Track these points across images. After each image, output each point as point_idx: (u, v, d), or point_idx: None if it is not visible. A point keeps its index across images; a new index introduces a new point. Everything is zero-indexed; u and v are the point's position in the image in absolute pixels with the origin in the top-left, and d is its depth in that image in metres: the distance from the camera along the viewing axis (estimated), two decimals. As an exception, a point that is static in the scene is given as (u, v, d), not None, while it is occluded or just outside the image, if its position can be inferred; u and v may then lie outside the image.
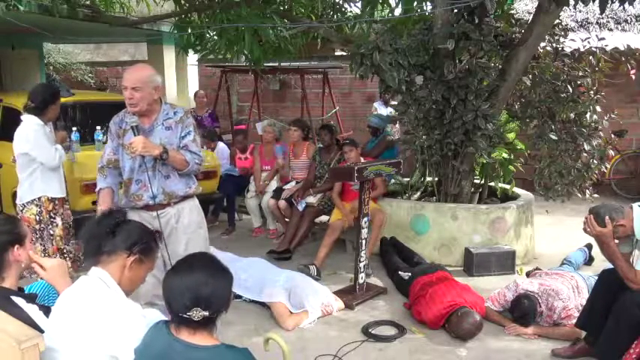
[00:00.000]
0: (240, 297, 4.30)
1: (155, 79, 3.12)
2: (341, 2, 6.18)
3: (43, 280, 2.46)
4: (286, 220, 5.88)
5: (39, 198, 4.24)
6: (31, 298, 2.14)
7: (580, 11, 8.13)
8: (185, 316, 1.73)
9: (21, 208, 4.31)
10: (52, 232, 4.30)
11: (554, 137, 5.19)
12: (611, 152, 5.68)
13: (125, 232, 2.10)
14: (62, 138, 4.41)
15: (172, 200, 3.20)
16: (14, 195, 5.40)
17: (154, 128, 3.14)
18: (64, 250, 4.38)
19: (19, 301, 2.07)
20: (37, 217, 4.26)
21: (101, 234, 2.09)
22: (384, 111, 8.07)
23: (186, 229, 3.25)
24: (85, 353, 1.91)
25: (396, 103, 6.09)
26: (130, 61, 12.24)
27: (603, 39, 5.44)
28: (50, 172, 4.22)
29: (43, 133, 4.16)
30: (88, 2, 6.50)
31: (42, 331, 1.94)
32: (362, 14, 6.04)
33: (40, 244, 4.30)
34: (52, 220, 4.29)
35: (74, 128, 5.44)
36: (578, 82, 5.27)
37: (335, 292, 4.39)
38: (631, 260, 3.22)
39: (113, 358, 1.91)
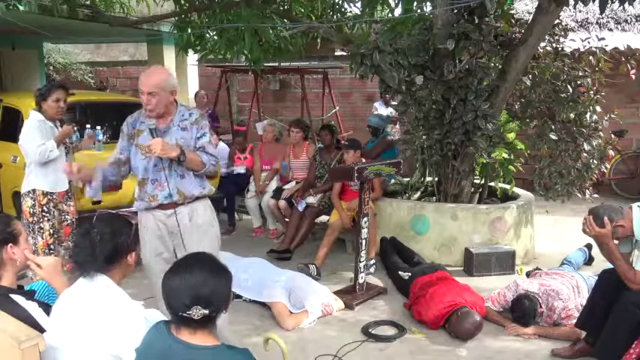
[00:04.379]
0: (240, 297, 4.30)
1: (171, 83, 3.14)
2: (341, 2, 6.18)
3: (43, 280, 2.46)
4: (286, 220, 5.88)
5: (33, 190, 4.24)
6: (29, 295, 2.14)
7: (580, 11, 8.12)
8: (185, 315, 1.73)
9: (22, 200, 4.36)
10: (42, 225, 4.28)
11: (554, 137, 5.19)
12: (611, 152, 5.68)
13: (115, 240, 2.09)
14: (63, 134, 4.28)
15: (187, 200, 3.21)
16: (14, 195, 5.43)
17: (169, 129, 3.16)
18: (52, 247, 4.32)
19: (18, 298, 2.07)
20: (31, 210, 4.25)
21: (101, 253, 2.06)
22: (384, 111, 8.07)
23: (199, 227, 3.27)
24: (87, 352, 1.91)
25: (396, 103, 6.09)
26: (130, 61, 12.26)
27: (603, 39, 5.44)
28: (44, 166, 4.19)
29: (36, 128, 4.15)
30: (88, 2, 6.50)
31: (42, 329, 1.95)
32: (362, 14, 6.04)
33: (32, 238, 4.28)
34: (44, 214, 4.27)
35: (76, 128, 5.42)
36: (578, 82, 5.27)
37: (335, 292, 4.39)
38: (631, 260, 3.23)
39: (115, 357, 1.92)
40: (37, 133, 4.15)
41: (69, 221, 4.41)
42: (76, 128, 4.82)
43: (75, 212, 4.48)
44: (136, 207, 3.24)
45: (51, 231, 4.29)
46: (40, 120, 4.21)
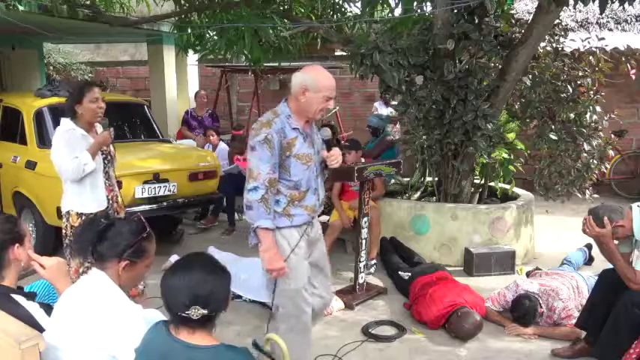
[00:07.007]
0: (240, 297, 4.30)
1: None
2: (341, 2, 6.19)
3: (44, 279, 2.46)
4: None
5: (68, 212, 3.60)
6: (30, 296, 2.15)
7: (580, 11, 8.14)
8: (184, 315, 1.73)
9: None
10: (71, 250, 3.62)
11: (554, 137, 5.19)
12: (611, 152, 5.68)
13: (111, 240, 2.04)
14: (99, 143, 3.57)
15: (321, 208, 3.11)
16: (14, 195, 5.42)
17: (312, 133, 3.00)
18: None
19: (18, 298, 2.07)
20: (65, 232, 3.63)
21: (86, 245, 2.05)
22: (385, 111, 8.07)
23: (321, 235, 3.18)
24: (87, 352, 1.91)
25: (396, 103, 6.11)
26: (130, 61, 12.26)
27: (603, 39, 5.44)
28: (79, 183, 3.54)
29: (64, 142, 3.49)
30: (88, 2, 6.51)
31: (43, 329, 1.95)
32: (362, 14, 6.04)
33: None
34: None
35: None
36: (578, 82, 5.27)
37: (335, 292, 4.38)
38: (630, 260, 3.23)
39: (113, 358, 1.92)
40: (64, 148, 3.48)
41: None
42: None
43: None
44: (282, 224, 2.84)
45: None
46: (68, 130, 3.52)
